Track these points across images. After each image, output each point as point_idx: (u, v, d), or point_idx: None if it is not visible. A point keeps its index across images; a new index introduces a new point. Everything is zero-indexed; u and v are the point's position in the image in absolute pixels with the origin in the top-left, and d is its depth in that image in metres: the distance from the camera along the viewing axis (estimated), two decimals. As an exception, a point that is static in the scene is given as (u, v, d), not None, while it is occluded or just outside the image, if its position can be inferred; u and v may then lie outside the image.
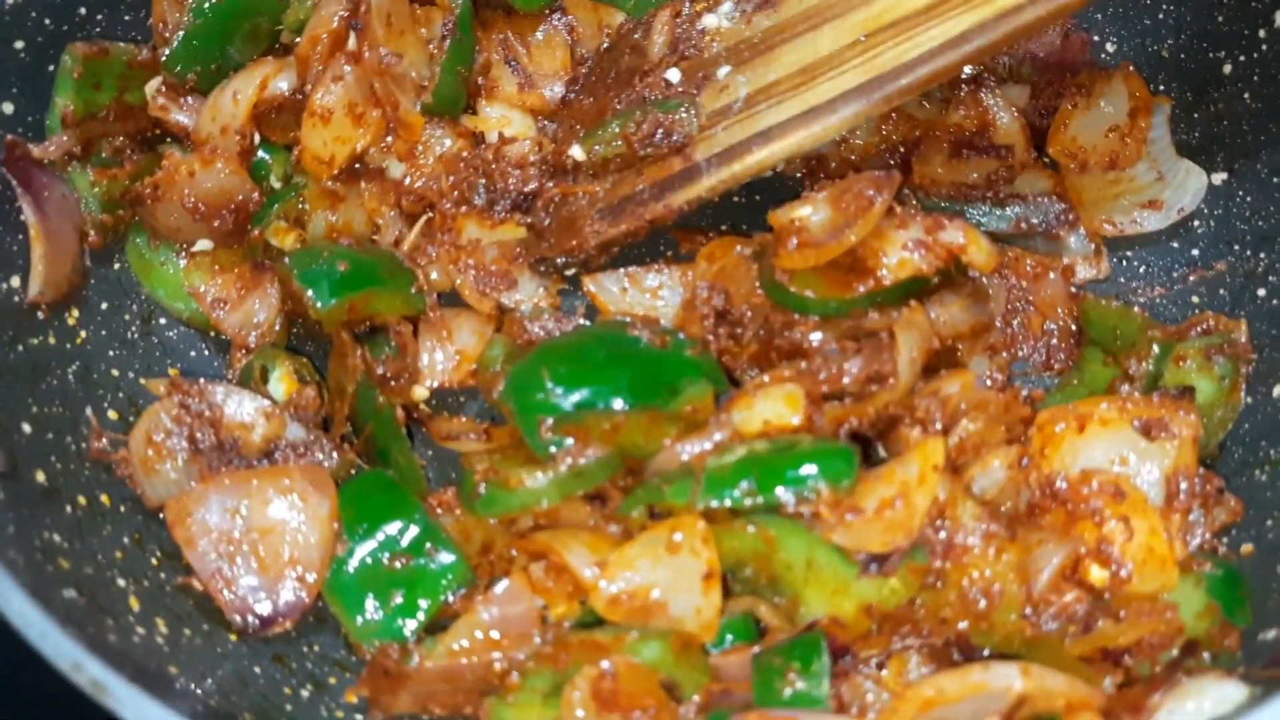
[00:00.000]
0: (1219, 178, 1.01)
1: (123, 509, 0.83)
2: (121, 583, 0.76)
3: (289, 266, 0.87)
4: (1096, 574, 0.75)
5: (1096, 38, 1.06)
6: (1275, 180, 0.98)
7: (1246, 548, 0.82)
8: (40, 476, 0.78)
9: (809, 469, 0.75)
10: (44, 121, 0.93)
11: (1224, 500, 0.83)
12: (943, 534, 0.75)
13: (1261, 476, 0.86)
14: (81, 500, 0.80)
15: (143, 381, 0.90)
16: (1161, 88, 1.04)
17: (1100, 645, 0.74)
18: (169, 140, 1.00)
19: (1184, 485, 0.81)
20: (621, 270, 0.99)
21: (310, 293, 0.86)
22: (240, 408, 0.84)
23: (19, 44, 0.89)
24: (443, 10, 1.02)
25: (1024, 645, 0.74)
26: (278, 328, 0.94)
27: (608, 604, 0.75)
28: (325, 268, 0.87)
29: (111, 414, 0.90)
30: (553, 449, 0.79)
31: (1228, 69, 1.00)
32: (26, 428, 0.80)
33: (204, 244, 0.97)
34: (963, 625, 0.75)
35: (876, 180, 0.87)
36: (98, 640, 0.62)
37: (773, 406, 0.80)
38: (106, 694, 0.56)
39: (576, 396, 0.80)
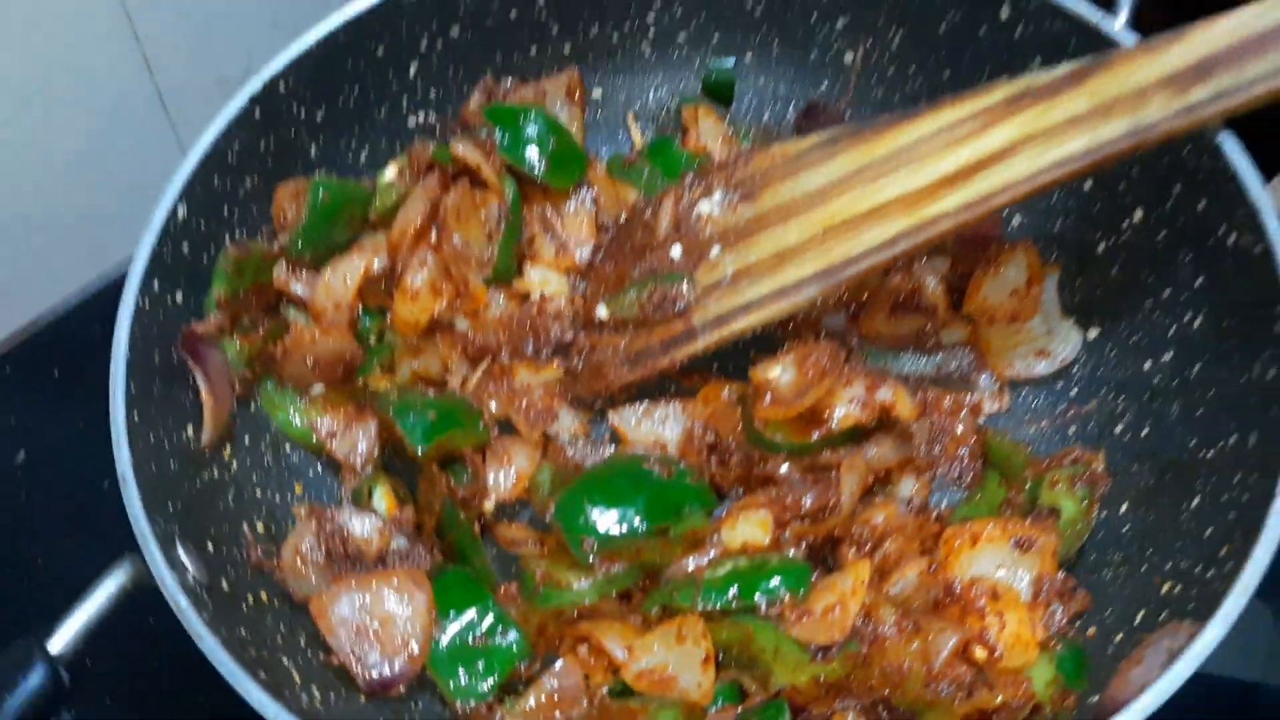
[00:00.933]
0: (1093, 334, 1.21)
1: (276, 603, 1.06)
2: (285, 662, 0.99)
3: (392, 417, 1.15)
4: (979, 654, 0.95)
5: (1005, 212, 1.28)
6: (1132, 340, 1.16)
7: (1091, 631, 1.01)
8: (224, 584, 1.01)
9: (776, 581, 1.00)
10: (201, 303, 1.14)
11: (1077, 595, 1.02)
12: (869, 629, 0.97)
13: (1107, 575, 1.05)
14: (250, 599, 1.04)
15: (292, 510, 1.13)
16: (1053, 257, 1.24)
17: (977, 707, 0.94)
18: (285, 301, 1.24)
19: (1047, 585, 1.01)
20: (638, 404, 1.22)
21: (409, 438, 1.13)
22: (362, 526, 1.09)
23: (185, 246, 1.11)
24: (496, 195, 1.25)
25: (926, 706, 0.95)
26: (377, 454, 1.20)
27: (635, 678, 0.98)
28: (420, 418, 1.13)
29: (260, 527, 1.12)
30: (592, 559, 1.08)
31: (1101, 248, 1.19)
32: (210, 546, 1.03)
33: (318, 388, 1.21)
34: (885, 692, 0.96)
35: (831, 353, 1.11)
36: (300, 711, 0.89)
37: (749, 530, 1.06)
38: (321, 756, 0.84)
39: (608, 521, 1.07)
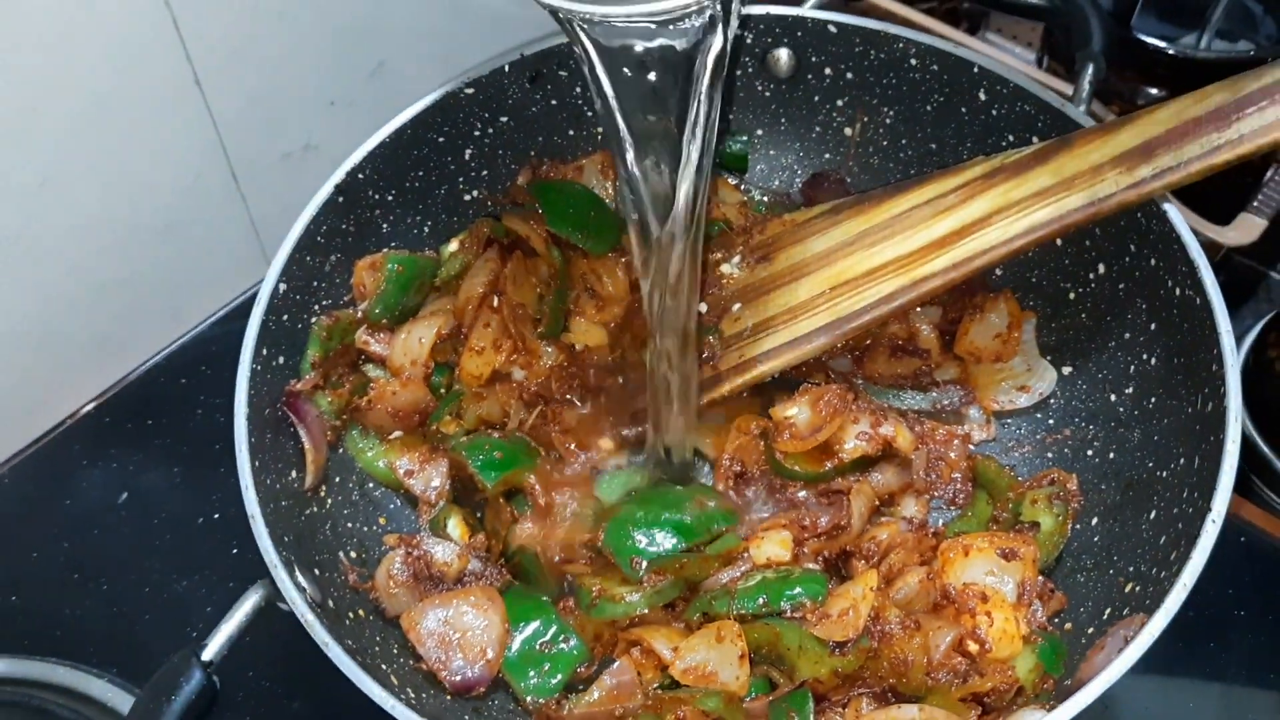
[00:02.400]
0: (1066, 370, 1.35)
1: (372, 618, 1.19)
2: (385, 668, 1.13)
3: (464, 457, 1.31)
4: (972, 648, 1.08)
5: (989, 264, 1.49)
6: (1099, 376, 1.31)
7: (1067, 626, 1.15)
8: (331, 603, 1.12)
9: (798, 590, 1.15)
10: (298, 365, 1.29)
11: (1055, 596, 1.16)
12: (878, 628, 1.10)
13: (1080, 578, 1.18)
14: (350, 615, 1.16)
15: (384, 540, 1.27)
16: (1030, 303, 1.39)
17: (971, 691, 1.07)
18: (363, 359, 1.40)
19: (1028, 588, 1.13)
20: (673, 439, 1.42)
21: (481, 475, 1.30)
22: (443, 552, 1.23)
23: (285, 317, 1.28)
24: (545, 261, 1.44)
25: (928, 692, 1.08)
26: (448, 488, 1.36)
27: (681, 674, 1.10)
28: (488, 457, 1.31)
29: (353, 554, 1.25)
30: (642, 576, 1.26)
31: (1072, 296, 1.34)
32: (316, 571, 1.14)
33: (397, 433, 1.36)
34: (893, 681, 1.10)
35: (840, 394, 1.27)
36: (410, 705, 1.05)
37: (772, 548, 1.22)
38: (432, 744, 1.01)
39: (650, 542, 1.24)
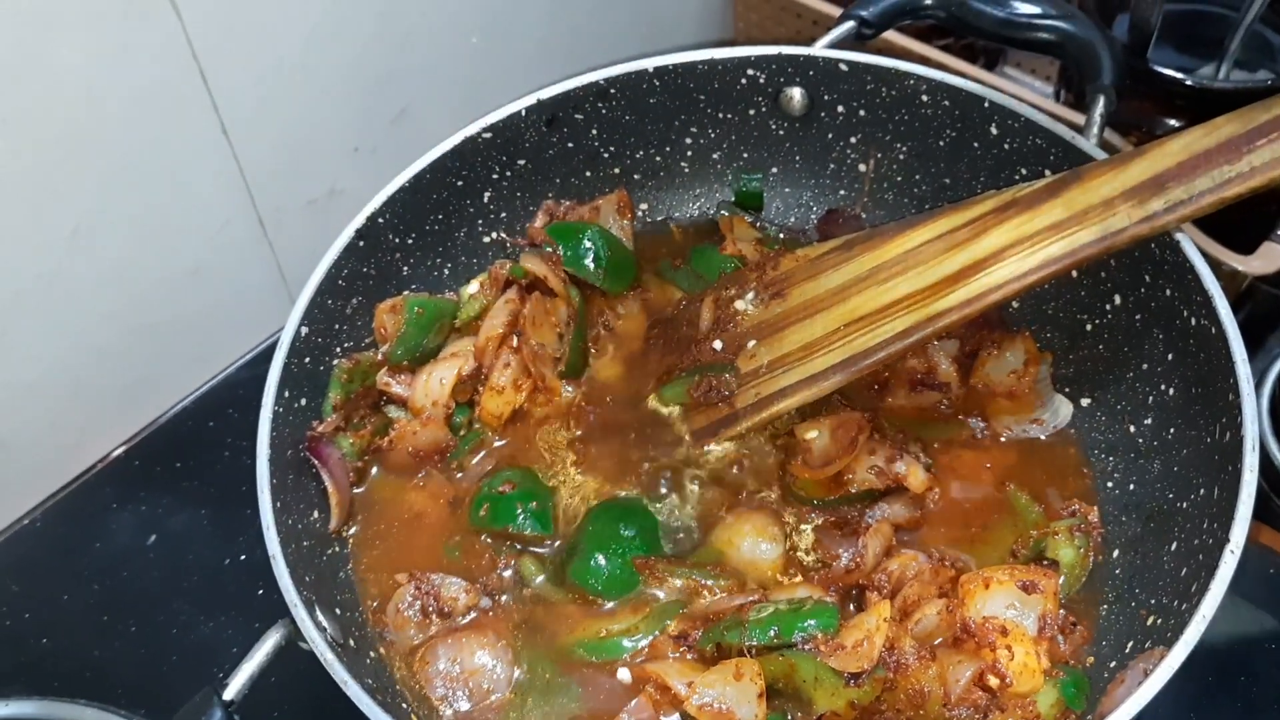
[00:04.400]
0: (1085, 402, 1.34)
1: (394, 656, 1.22)
2: (405, 706, 1.15)
3: (504, 527, 1.31)
4: (992, 682, 1.06)
5: (1006, 296, 1.49)
6: (1118, 408, 1.30)
7: (1089, 659, 1.13)
8: (352, 642, 1.14)
9: (810, 622, 1.13)
10: (319, 406, 1.33)
11: (1076, 629, 1.14)
12: (893, 658, 1.07)
13: (1103, 611, 1.17)
14: (372, 654, 1.18)
15: (396, 578, 1.28)
16: (1047, 335, 1.38)
17: None
18: (385, 400, 1.42)
19: (1049, 621, 1.11)
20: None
21: (537, 530, 1.30)
22: (451, 588, 1.24)
23: (307, 360, 1.30)
24: (563, 301, 1.46)
25: None
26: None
27: (697, 711, 1.07)
28: (527, 510, 1.30)
29: (374, 591, 1.25)
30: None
31: (1088, 328, 1.34)
32: (338, 610, 1.16)
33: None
34: (910, 715, 1.06)
35: (860, 425, 1.27)
36: None
37: (760, 545, 1.25)
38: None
39: (610, 564, 1.26)
